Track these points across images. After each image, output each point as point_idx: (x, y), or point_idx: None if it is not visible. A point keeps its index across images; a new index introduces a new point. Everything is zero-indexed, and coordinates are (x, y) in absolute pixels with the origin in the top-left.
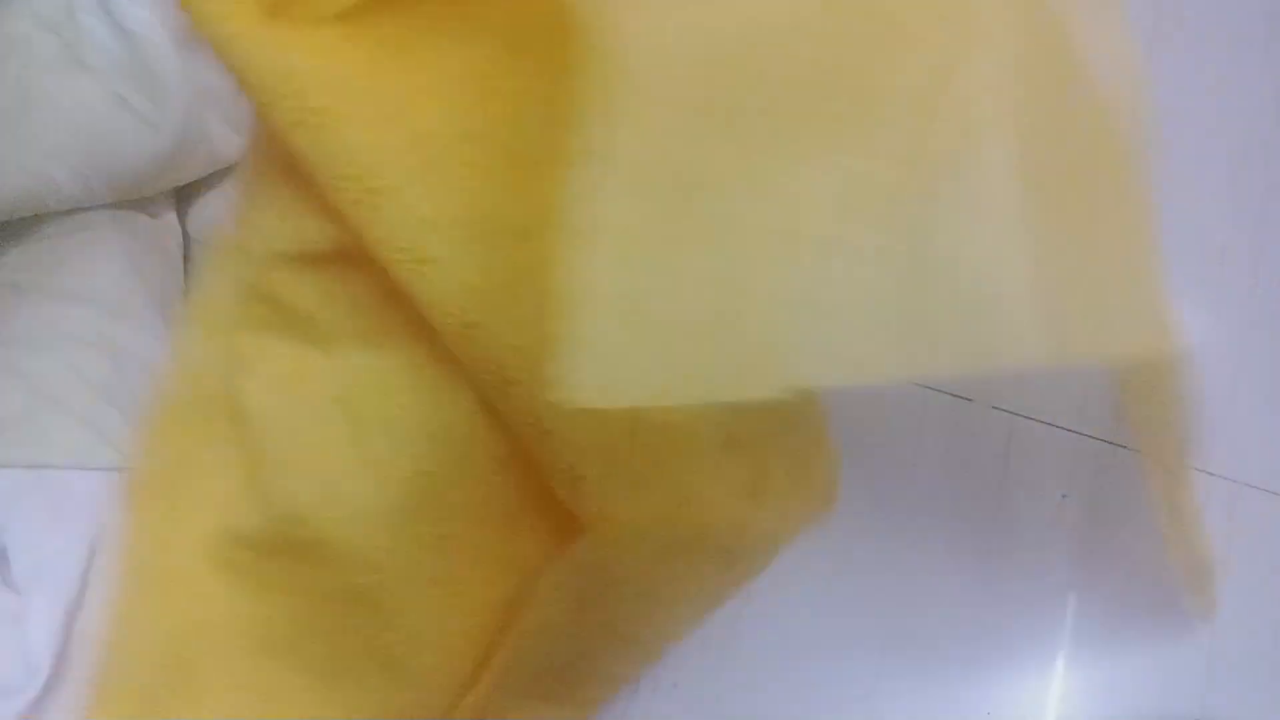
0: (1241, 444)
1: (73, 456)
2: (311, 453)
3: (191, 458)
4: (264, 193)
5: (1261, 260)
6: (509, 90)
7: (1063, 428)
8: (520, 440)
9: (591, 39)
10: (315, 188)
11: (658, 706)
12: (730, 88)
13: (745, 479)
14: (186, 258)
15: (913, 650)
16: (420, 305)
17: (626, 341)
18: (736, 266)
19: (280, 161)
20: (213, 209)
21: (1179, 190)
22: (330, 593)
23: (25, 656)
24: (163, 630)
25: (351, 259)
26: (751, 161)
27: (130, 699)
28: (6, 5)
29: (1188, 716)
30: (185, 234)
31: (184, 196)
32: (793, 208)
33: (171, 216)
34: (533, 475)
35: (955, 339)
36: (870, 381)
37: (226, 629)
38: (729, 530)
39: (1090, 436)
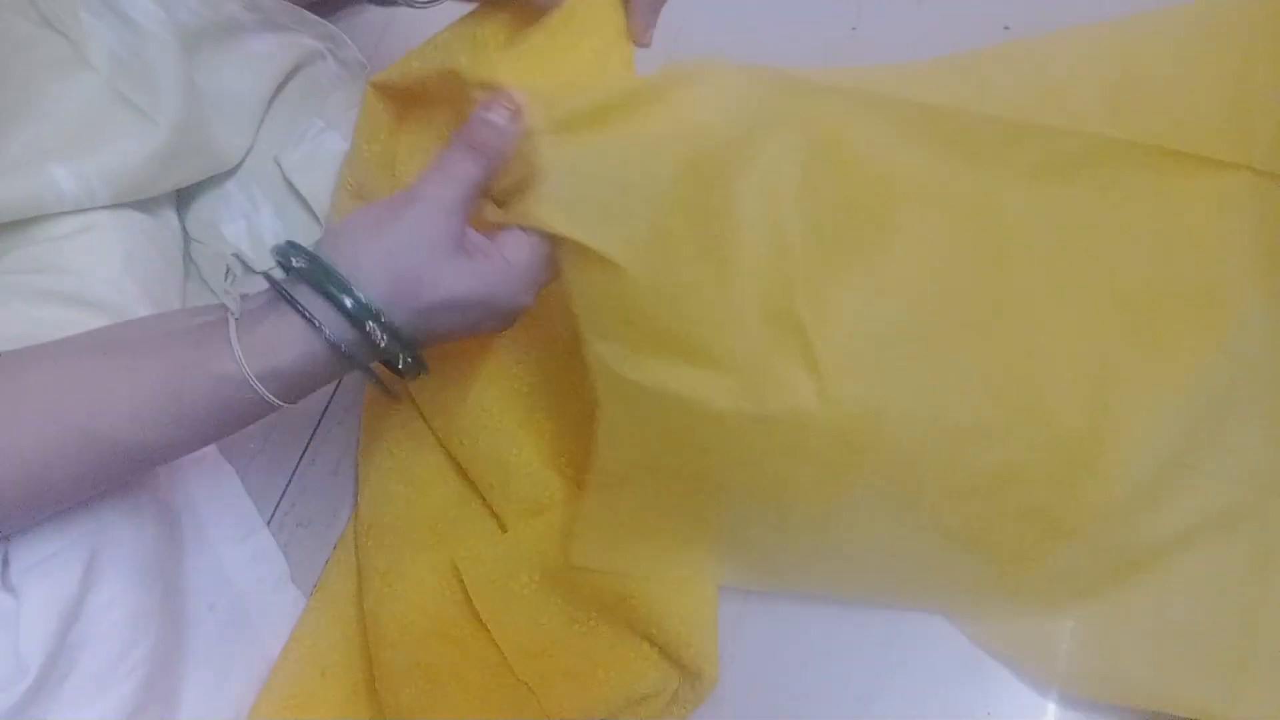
0: None
1: None
2: None
3: None
4: None
5: None
6: None
7: None
8: None
9: None
10: None
11: None
12: None
13: None
14: (187, 258)
15: (913, 649)
16: None
17: None
18: None
19: None
20: (212, 210)
21: None
22: None
23: (13, 656)
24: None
25: None
26: None
27: None
28: (12, 5)
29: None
30: (185, 234)
31: (184, 197)
32: None
33: (172, 216)
34: None
35: None
36: None
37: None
38: None
39: None
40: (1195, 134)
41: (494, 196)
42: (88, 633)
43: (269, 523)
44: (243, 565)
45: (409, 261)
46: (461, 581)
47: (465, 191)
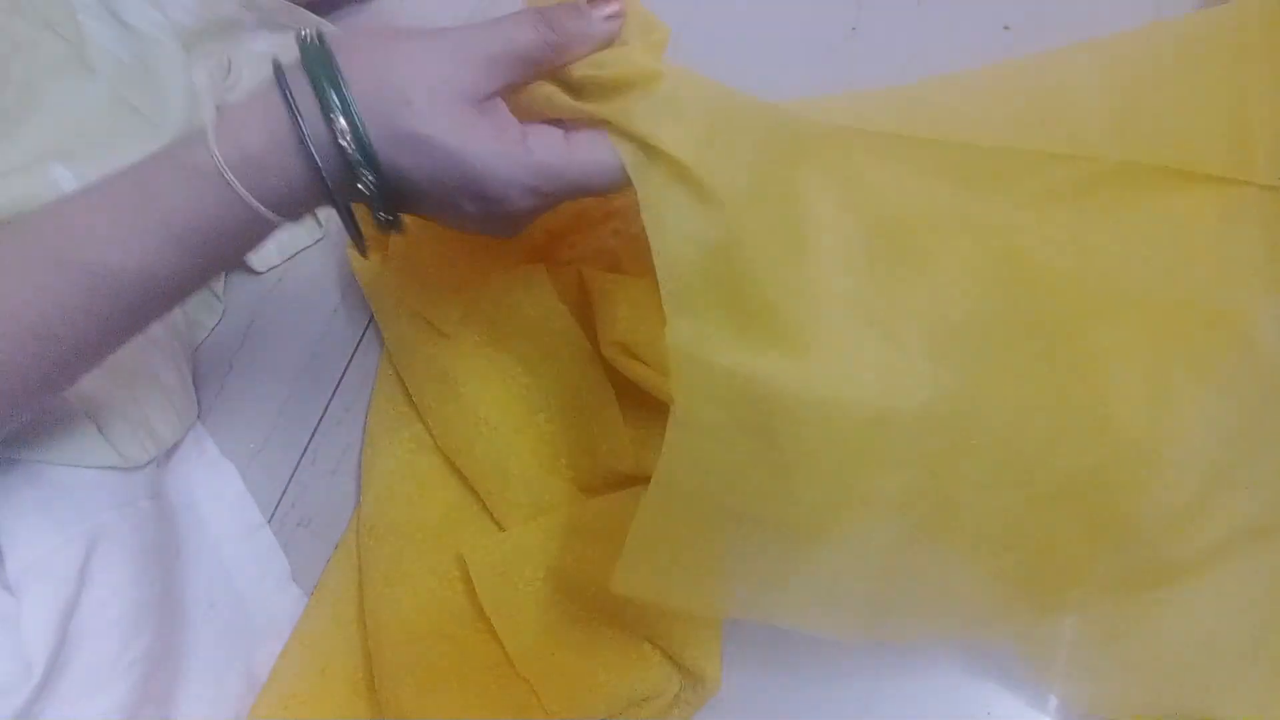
0: None
1: (69, 454)
2: None
3: None
4: None
5: None
6: None
7: None
8: None
9: None
10: None
11: None
12: None
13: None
14: None
15: (913, 649)
16: None
17: None
18: None
19: None
20: None
21: None
22: None
23: (19, 656)
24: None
25: None
26: None
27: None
28: (10, 7)
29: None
30: None
31: None
32: None
33: None
34: None
35: None
36: None
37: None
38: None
39: None
40: (1197, 151)
41: (567, 81)
42: (84, 630)
43: (269, 522)
44: (243, 564)
45: (406, 80)
46: (463, 582)
47: (510, 53)
